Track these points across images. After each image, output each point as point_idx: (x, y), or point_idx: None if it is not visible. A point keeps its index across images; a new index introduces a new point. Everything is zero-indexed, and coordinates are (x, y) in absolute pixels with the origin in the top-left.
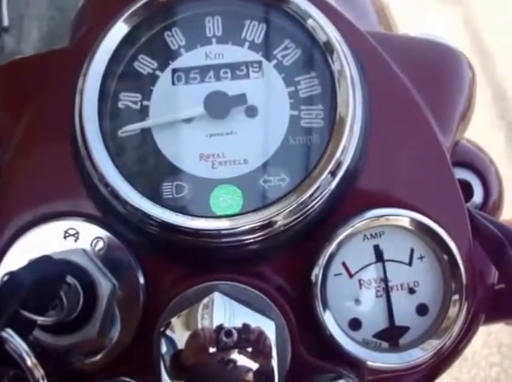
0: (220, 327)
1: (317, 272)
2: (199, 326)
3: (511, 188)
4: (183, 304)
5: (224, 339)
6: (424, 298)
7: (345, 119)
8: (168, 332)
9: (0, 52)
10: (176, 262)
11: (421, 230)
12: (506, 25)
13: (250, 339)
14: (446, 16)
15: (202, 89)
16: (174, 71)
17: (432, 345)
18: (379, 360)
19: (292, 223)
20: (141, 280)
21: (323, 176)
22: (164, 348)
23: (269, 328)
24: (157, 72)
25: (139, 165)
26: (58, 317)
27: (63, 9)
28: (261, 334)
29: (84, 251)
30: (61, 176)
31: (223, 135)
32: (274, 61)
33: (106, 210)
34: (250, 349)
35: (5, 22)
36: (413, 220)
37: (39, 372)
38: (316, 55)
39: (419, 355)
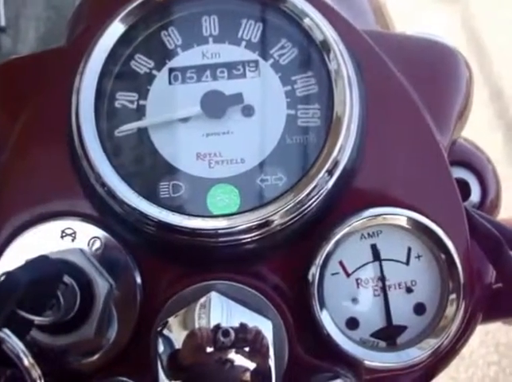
0: (217, 327)
1: (314, 271)
2: (197, 326)
3: (509, 187)
4: (180, 303)
5: (221, 339)
6: (421, 297)
7: (342, 118)
8: (165, 331)
9: None
10: (173, 261)
11: (419, 229)
12: (504, 23)
13: (247, 339)
14: (443, 15)
15: (198, 88)
16: (171, 70)
17: (430, 344)
18: (376, 359)
19: (290, 222)
20: (138, 280)
21: (321, 175)
22: (161, 348)
23: (266, 327)
24: (154, 72)
25: (136, 165)
26: (55, 317)
27: (60, 9)
28: (258, 334)
29: (81, 250)
30: (58, 176)
31: (219, 135)
32: (271, 60)
33: (103, 210)
34: (247, 349)
35: (2, 22)
36: (410, 219)
37: (36, 372)
38: (313, 54)
39: (416, 354)
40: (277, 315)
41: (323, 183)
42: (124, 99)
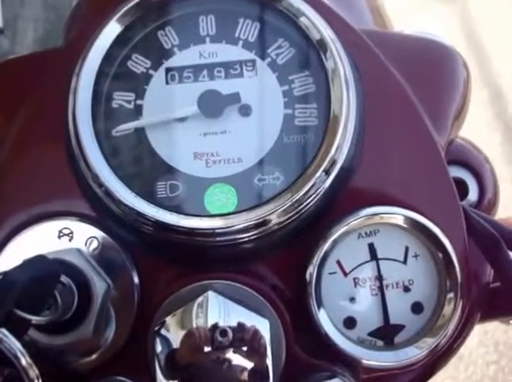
0: (215, 326)
1: (312, 271)
2: (194, 325)
3: (508, 188)
4: (177, 303)
5: (219, 338)
6: (419, 297)
7: (339, 117)
8: (162, 331)
9: None
10: (170, 261)
11: (416, 228)
12: (503, 23)
13: (244, 338)
14: (442, 15)
15: (196, 88)
16: (168, 70)
17: (427, 344)
18: (374, 358)
19: (287, 221)
20: (136, 279)
21: (318, 174)
22: (158, 348)
23: (263, 327)
24: (151, 71)
25: (133, 165)
26: (52, 317)
27: (58, 10)
28: (256, 333)
29: (79, 250)
30: (55, 176)
31: (217, 134)
32: (268, 60)
33: (101, 210)
34: (244, 348)
35: (0, 23)
36: (407, 219)
37: (33, 372)
38: (310, 53)
39: (414, 353)
40: (275, 314)
41: (320, 182)
42: (121, 99)
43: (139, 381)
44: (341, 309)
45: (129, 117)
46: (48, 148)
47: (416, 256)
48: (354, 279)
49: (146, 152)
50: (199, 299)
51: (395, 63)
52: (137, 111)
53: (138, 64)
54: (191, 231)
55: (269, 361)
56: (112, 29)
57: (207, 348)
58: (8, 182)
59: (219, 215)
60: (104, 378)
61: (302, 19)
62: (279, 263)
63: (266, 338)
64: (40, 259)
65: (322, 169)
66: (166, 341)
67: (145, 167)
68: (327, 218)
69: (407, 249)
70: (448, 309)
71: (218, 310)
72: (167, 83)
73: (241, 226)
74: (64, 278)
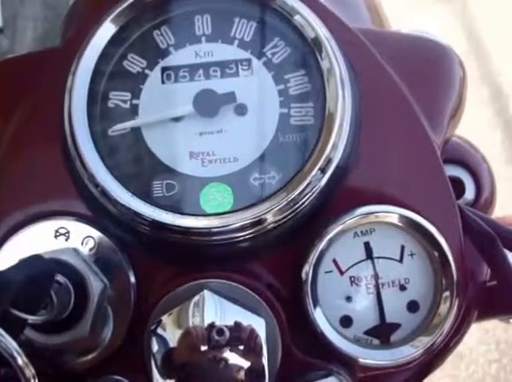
0: (212, 325)
1: (308, 269)
2: (190, 324)
3: (508, 186)
4: (174, 302)
5: (216, 337)
6: (414, 295)
7: (334, 116)
8: (159, 330)
9: None
10: (166, 260)
11: (412, 227)
12: (503, 21)
13: (241, 337)
14: (442, 12)
15: (191, 87)
16: (164, 69)
17: (423, 342)
18: (370, 357)
19: (283, 220)
20: (132, 279)
21: (313, 172)
22: (155, 347)
23: (259, 326)
24: (147, 71)
25: (129, 165)
26: (49, 316)
27: (57, 9)
28: (252, 332)
29: (75, 250)
30: (52, 175)
31: (212, 133)
32: (264, 59)
33: (97, 209)
34: (241, 347)
35: (0, 23)
36: (403, 217)
37: (30, 372)
38: (306, 52)
39: (410, 352)
40: (271, 313)
41: (316, 181)
42: (117, 98)
43: (136, 380)
44: (337, 308)
45: (125, 116)
46: (44, 148)
47: (412, 255)
48: (351, 278)
49: (142, 151)
50: (196, 298)
51: (391, 62)
52: (133, 111)
53: (134, 63)
54: (187, 231)
55: (265, 360)
56: (107, 29)
57: (203, 347)
58: (4, 182)
59: (215, 214)
60: (101, 377)
61: (297, 17)
62: (275, 261)
63: (262, 337)
64: (35, 259)
65: (318, 167)
66: (162, 340)
67: (141, 167)
68: (323, 217)
69: (403, 248)
70: (443, 307)
71: (214, 309)
72: (163, 82)
73: (237, 225)
74: (60, 278)
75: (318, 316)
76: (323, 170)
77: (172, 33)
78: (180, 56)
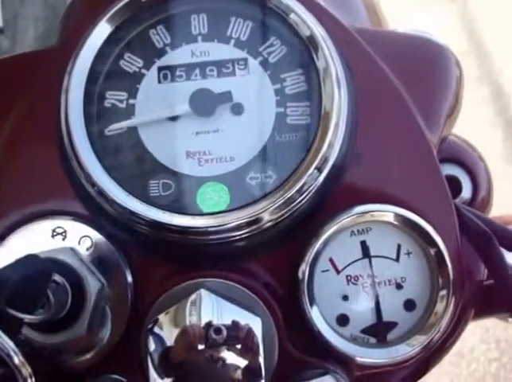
0: (209, 324)
1: (304, 268)
2: (187, 323)
3: (509, 185)
4: (170, 301)
5: (213, 336)
6: (411, 294)
7: (330, 115)
8: (155, 329)
9: None
10: (163, 259)
11: (408, 226)
12: (504, 20)
13: (239, 336)
14: (443, 12)
15: (188, 87)
16: (160, 69)
17: (420, 341)
18: (367, 355)
19: (280, 219)
20: (129, 278)
21: (310, 171)
22: (152, 346)
23: (255, 325)
24: (143, 71)
25: (126, 164)
26: (46, 316)
27: (58, 8)
28: (249, 331)
29: (72, 249)
30: (48, 175)
31: (209, 133)
32: (260, 58)
33: (94, 209)
34: (238, 346)
35: (0, 23)
36: (399, 216)
37: (26, 371)
38: (302, 51)
39: (406, 350)
40: (267, 312)
41: (312, 180)
42: (114, 98)
43: (134, 379)
44: (334, 307)
45: (122, 116)
46: (41, 147)
47: (408, 254)
48: (347, 277)
49: (139, 151)
50: (192, 297)
51: (387, 61)
52: (130, 110)
53: (130, 63)
54: (184, 230)
55: (261, 359)
56: (103, 29)
57: (201, 346)
58: (1, 182)
59: (212, 213)
60: (99, 376)
61: (292, 16)
62: (272, 260)
63: (258, 336)
64: (31, 258)
65: (314, 166)
66: (159, 339)
67: (137, 166)
68: (319, 216)
69: (399, 247)
70: (440, 306)
71: (211, 308)
72: (159, 82)
73: (233, 224)
74: (57, 277)
75: (315, 315)
76: (319, 169)
77: (169, 32)
78: (177, 56)
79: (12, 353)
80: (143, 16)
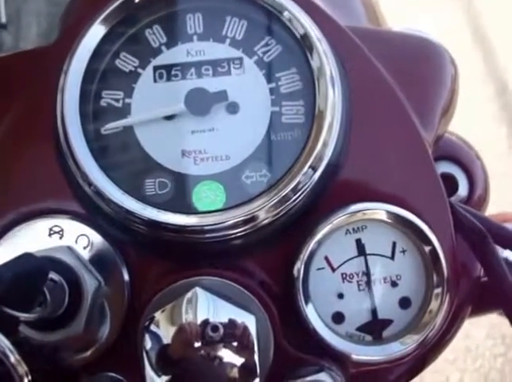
0: (206, 322)
1: (299, 266)
2: (184, 321)
3: None
4: (166, 299)
5: (210, 333)
6: (406, 292)
7: (324, 114)
8: (152, 327)
9: None
10: (160, 258)
11: (403, 224)
12: (508, 17)
13: (235, 334)
14: (448, 9)
15: (183, 86)
16: (155, 68)
17: (414, 338)
18: (363, 353)
19: (275, 218)
20: (126, 276)
21: (304, 170)
22: (148, 344)
23: (249, 322)
24: (139, 70)
25: (122, 163)
26: (42, 314)
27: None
28: (245, 329)
29: (69, 248)
30: (45, 174)
31: (204, 132)
32: (255, 58)
33: (91, 208)
34: (234, 344)
35: (3, 19)
36: (394, 214)
37: (22, 369)
38: (296, 50)
39: (401, 348)
40: (263, 310)
41: (307, 178)
42: (109, 97)
43: (130, 377)
44: (329, 305)
45: (118, 115)
46: (37, 147)
47: (403, 252)
48: (342, 275)
49: (135, 150)
50: (188, 295)
51: (382, 59)
52: (126, 110)
53: (126, 62)
54: (180, 229)
55: (256, 356)
56: (99, 28)
57: (197, 344)
58: None
59: (208, 212)
60: (96, 374)
61: (285, 14)
62: (267, 259)
63: (253, 334)
64: (28, 257)
65: (308, 165)
66: (156, 337)
67: (133, 165)
68: (314, 214)
69: (394, 244)
70: (435, 304)
71: (207, 306)
72: (155, 81)
73: (229, 223)
74: (54, 276)
75: (310, 312)
76: (314, 168)
77: (164, 31)
78: (172, 55)
79: (8, 352)
80: (139, 15)
